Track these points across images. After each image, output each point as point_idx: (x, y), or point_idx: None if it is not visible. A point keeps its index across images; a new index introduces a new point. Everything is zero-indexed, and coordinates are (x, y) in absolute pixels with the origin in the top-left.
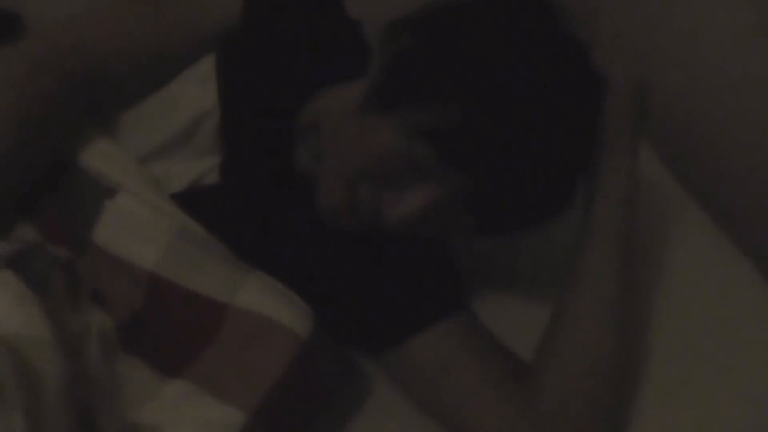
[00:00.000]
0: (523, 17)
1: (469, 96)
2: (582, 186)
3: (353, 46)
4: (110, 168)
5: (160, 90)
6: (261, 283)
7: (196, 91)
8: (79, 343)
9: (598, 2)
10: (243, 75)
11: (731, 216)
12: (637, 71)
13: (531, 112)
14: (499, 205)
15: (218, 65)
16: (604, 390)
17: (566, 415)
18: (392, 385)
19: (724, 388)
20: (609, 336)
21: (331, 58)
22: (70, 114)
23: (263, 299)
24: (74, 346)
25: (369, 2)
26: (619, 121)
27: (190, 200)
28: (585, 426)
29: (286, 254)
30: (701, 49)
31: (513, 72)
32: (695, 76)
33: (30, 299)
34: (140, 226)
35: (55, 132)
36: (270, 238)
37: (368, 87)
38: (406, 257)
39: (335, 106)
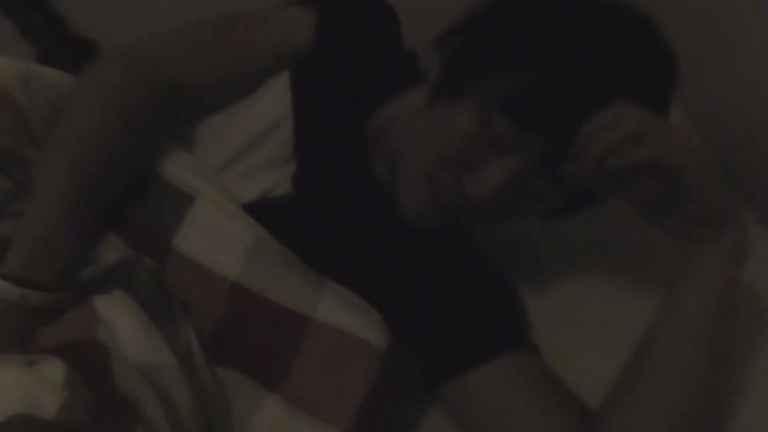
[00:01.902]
0: None
1: (533, 61)
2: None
3: (411, 70)
4: (189, 177)
5: (235, 104)
6: (337, 294)
7: (269, 103)
8: (188, 359)
9: None
10: (316, 90)
11: None
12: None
13: (592, 64)
14: None
15: (292, 81)
16: None
17: None
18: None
19: None
20: (681, 406)
21: (392, 77)
22: (154, 125)
23: (342, 312)
24: (187, 364)
25: (423, 34)
26: (723, 194)
27: (262, 211)
28: None
29: (358, 267)
30: None
31: (572, 31)
32: None
33: (149, 323)
34: (221, 235)
35: (142, 142)
36: (342, 249)
37: (432, 84)
38: (474, 286)
39: (403, 109)
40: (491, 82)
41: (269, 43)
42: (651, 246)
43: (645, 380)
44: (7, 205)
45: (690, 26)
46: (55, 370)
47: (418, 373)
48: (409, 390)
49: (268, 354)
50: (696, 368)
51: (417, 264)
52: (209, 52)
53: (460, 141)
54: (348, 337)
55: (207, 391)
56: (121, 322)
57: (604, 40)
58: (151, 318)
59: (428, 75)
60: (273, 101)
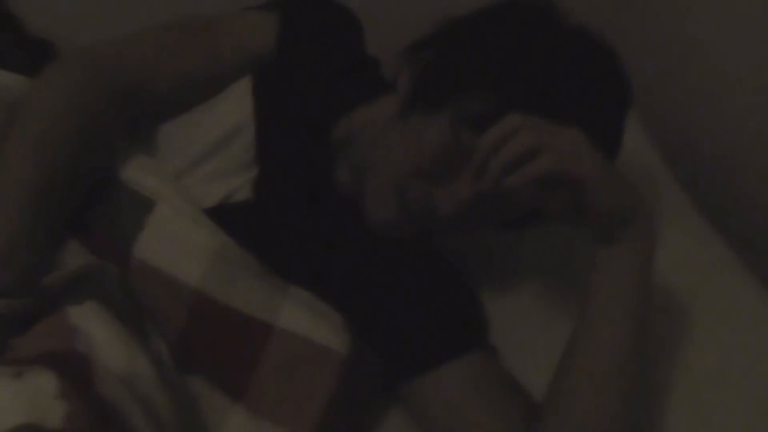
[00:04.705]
0: (533, 14)
1: (503, 81)
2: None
3: (374, 78)
4: (150, 181)
5: (196, 108)
6: (299, 299)
7: (231, 108)
8: (161, 367)
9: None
10: (278, 96)
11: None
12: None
13: (556, 86)
14: None
15: (255, 87)
16: None
17: None
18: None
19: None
20: (611, 400)
21: (355, 84)
22: (114, 127)
23: (304, 318)
24: (161, 373)
25: (387, 41)
26: (623, 194)
27: (223, 215)
28: None
29: (320, 271)
30: None
31: (538, 55)
32: None
33: (124, 333)
34: (182, 240)
35: (102, 144)
36: (304, 254)
37: (404, 97)
38: (435, 287)
39: (372, 118)
40: (464, 99)
41: (232, 47)
42: None
43: (573, 383)
44: None
45: (649, 42)
46: (46, 381)
47: (381, 376)
48: (372, 393)
49: (231, 362)
50: (620, 365)
51: (378, 267)
52: (172, 55)
53: (431, 154)
54: (310, 344)
55: (180, 400)
56: (96, 331)
57: (566, 64)
58: (124, 327)
59: (397, 85)
60: (235, 106)
